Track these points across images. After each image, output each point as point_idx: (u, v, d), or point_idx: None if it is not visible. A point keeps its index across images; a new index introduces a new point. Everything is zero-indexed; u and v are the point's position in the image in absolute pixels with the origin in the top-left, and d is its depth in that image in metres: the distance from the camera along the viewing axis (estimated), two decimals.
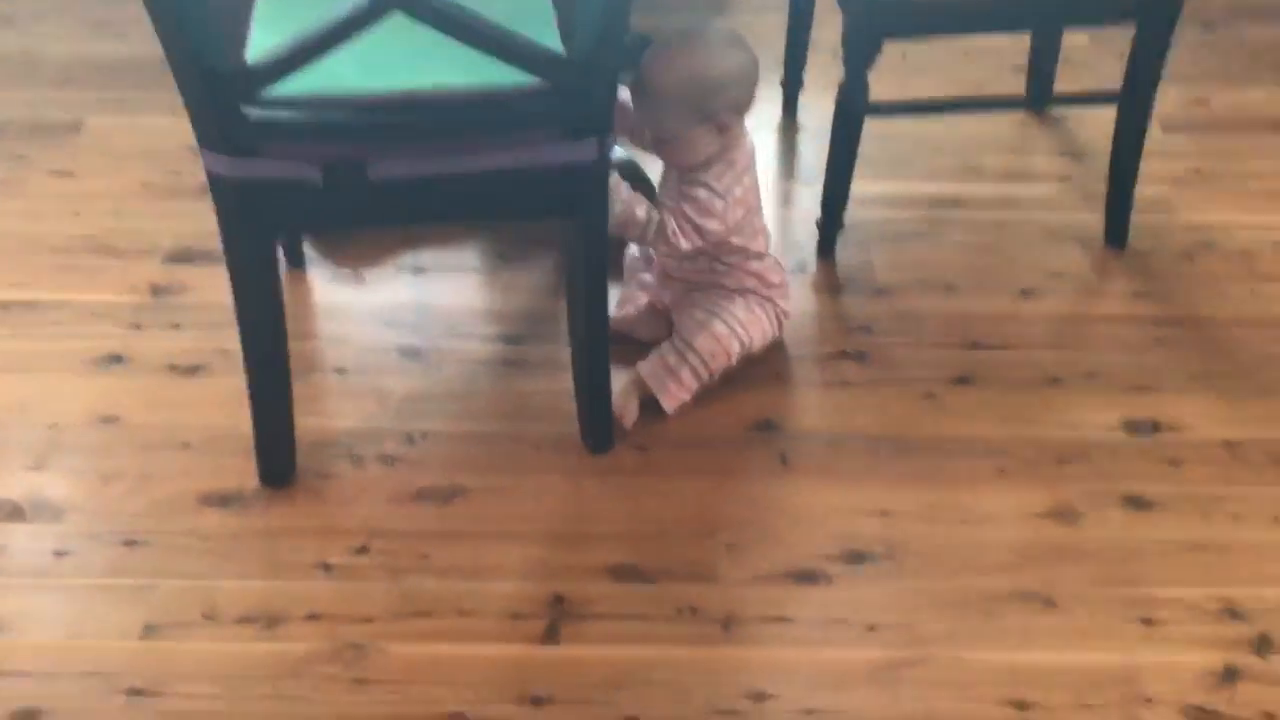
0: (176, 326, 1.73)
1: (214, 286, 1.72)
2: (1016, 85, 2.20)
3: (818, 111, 2.16)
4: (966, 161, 2.07)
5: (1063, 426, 1.61)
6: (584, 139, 1.29)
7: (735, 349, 1.62)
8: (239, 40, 1.34)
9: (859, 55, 1.66)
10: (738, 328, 1.61)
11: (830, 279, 1.84)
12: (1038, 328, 1.76)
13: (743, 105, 1.55)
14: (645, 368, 1.61)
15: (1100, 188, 1.93)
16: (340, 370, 1.67)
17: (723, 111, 1.52)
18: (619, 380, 1.57)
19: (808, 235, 1.90)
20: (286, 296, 1.45)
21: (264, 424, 1.47)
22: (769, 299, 1.65)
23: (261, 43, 1.33)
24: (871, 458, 1.56)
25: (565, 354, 1.69)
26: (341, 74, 1.26)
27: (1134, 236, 1.90)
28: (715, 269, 1.64)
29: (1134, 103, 1.76)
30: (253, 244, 1.34)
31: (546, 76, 1.25)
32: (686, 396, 1.61)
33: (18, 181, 2.03)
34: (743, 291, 1.64)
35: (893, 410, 1.63)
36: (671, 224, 1.55)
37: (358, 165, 1.25)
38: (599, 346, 1.48)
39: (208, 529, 1.43)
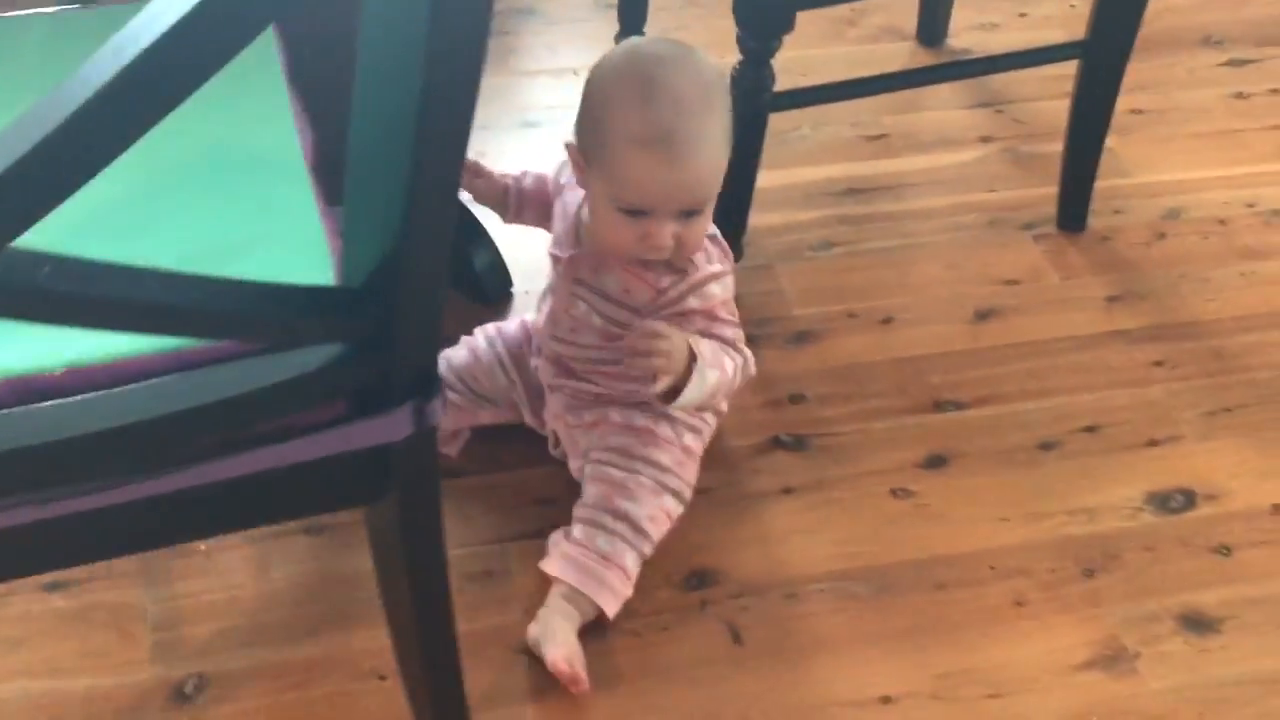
0: None
1: None
2: (902, 11, 1.75)
3: None
4: (863, 129, 1.62)
5: (1077, 517, 1.21)
6: (390, 411, 0.70)
7: (677, 514, 1.14)
8: None
9: (763, 32, 1.16)
10: (682, 489, 1.14)
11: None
12: (1008, 366, 1.35)
13: None
14: (569, 571, 1.08)
15: (1031, 148, 1.53)
16: (54, 586, 1.10)
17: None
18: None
19: None
20: None
21: None
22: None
23: None
24: (848, 608, 1.13)
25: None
26: None
27: (1092, 214, 1.51)
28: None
29: (1108, 50, 1.33)
30: None
31: (309, 337, 0.65)
32: (629, 592, 1.09)
33: None
34: (670, 420, 1.15)
35: (858, 526, 1.19)
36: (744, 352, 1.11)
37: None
38: (446, 671, 0.92)
39: None
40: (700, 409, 1.14)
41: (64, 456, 0.63)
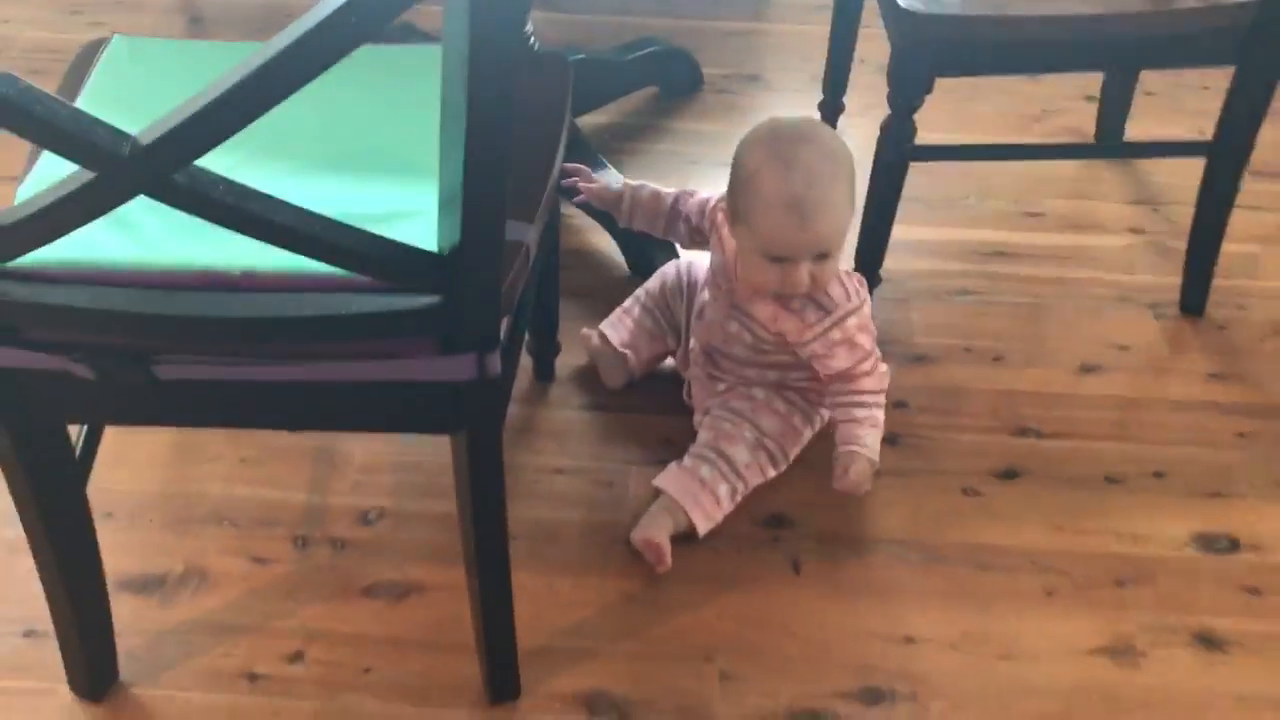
0: None
1: None
2: (1087, 117, 1.95)
3: (859, 137, 1.91)
4: (1024, 206, 1.83)
5: (1124, 539, 1.38)
6: (458, 355, 0.92)
7: (771, 473, 1.40)
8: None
9: (906, 92, 1.42)
10: (778, 453, 1.40)
11: None
12: (1098, 412, 1.53)
13: None
14: (672, 484, 1.35)
15: (1178, 244, 1.68)
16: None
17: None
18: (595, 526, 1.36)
19: None
20: None
21: (70, 635, 1.14)
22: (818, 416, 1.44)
23: (37, 184, 0.96)
24: (898, 567, 1.34)
25: (558, 417, 1.49)
26: (104, 242, 0.90)
27: (1214, 304, 1.66)
28: (782, 372, 1.41)
29: (1228, 153, 1.51)
30: (23, 438, 0.99)
31: (398, 281, 0.88)
32: (720, 517, 1.36)
33: None
34: (799, 394, 1.41)
35: (927, 509, 1.40)
36: (876, 366, 1.36)
37: (140, 361, 0.91)
38: (495, 582, 1.11)
39: (121, 622, 1.22)
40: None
41: (233, 331, 0.88)
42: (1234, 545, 1.37)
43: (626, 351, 1.49)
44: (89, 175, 0.74)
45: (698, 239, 1.45)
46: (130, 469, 1.39)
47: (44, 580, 1.11)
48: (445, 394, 0.95)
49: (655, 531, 1.31)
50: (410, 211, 0.93)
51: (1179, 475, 1.45)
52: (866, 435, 1.32)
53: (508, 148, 0.80)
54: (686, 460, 1.37)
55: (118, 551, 1.30)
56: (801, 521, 1.39)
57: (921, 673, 1.24)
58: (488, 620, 1.12)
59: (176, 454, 1.42)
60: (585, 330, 1.52)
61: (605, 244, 1.73)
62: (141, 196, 0.78)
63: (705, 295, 1.44)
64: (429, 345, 0.92)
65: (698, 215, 1.44)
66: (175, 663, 1.23)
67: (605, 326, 1.51)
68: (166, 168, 0.74)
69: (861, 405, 1.34)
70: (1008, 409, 1.52)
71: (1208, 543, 1.38)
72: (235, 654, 1.23)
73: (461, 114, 0.77)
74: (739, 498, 1.37)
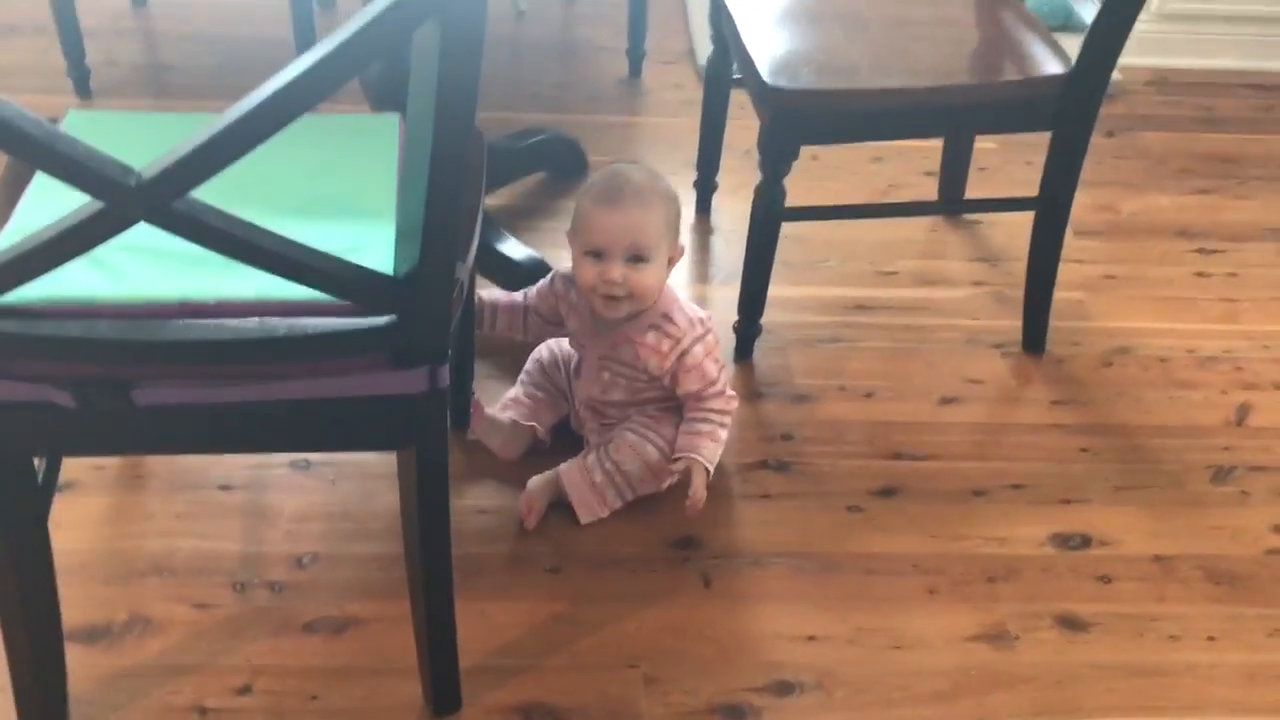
0: None
1: None
2: (928, 189, 2.19)
3: (731, 213, 2.11)
4: (880, 266, 2.04)
5: (991, 542, 1.55)
6: (411, 369, 1.04)
7: (667, 480, 1.54)
8: None
9: (776, 160, 1.61)
10: (669, 452, 1.53)
11: (749, 383, 1.78)
12: (959, 437, 1.71)
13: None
14: (570, 475, 1.52)
15: (1015, 293, 1.90)
16: (225, 486, 1.54)
17: (676, 241, 1.49)
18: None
19: (724, 338, 1.82)
20: None
21: (25, 681, 1.19)
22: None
23: (17, 232, 1.04)
24: (797, 578, 1.48)
25: (475, 463, 1.59)
26: (86, 280, 1.00)
27: (1051, 342, 1.88)
28: (660, 404, 1.56)
29: (1051, 209, 1.74)
30: None
31: (359, 301, 0.99)
32: (604, 514, 1.52)
33: None
34: (677, 410, 1.56)
35: (817, 526, 1.55)
36: (722, 391, 1.53)
37: (119, 388, 1.00)
38: (439, 594, 1.20)
39: (70, 670, 1.27)
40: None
41: (205, 352, 0.98)
42: (1086, 542, 1.56)
43: (532, 424, 1.61)
44: (97, 205, 0.85)
45: (550, 324, 1.60)
46: (70, 530, 1.45)
47: (4, 620, 1.16)
48: (399, 408, 1.07)
49: (538, 496, 1.51)
50: (361, 247, 1.05)
51: (1034, 486, 1.64)
52: (705, 447, 1.49)
53: (460, 187, 0.94)
54: (590, 459, 1.52)
55: (62, 605, 1.34)
56: (707, 542, 1.52)
57: (824, 665, 1.38)
58: (432, 629, 1.22)
59: (113, 514, 1.48)
60: (485, 415, 1.60)
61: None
62: (117, 240, 0.89)
63: (576, 358, 1.60)
64: (384, 362, 1.04)
65: (539, 298, 1.59)
66: (125, 704, 1.28)
67: (501, 412, 1.62)
68: (167, 197, 0.85)
69: (706, 421, 1.51)
70: (881, 437, 1.70)
71: (1063, 541, 1.56)
72: (184, 691, 1.29)
73: (425, 157, 0.90)
74: (626, 499, 1.52)
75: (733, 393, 1.54)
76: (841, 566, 1.50)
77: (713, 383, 1.52)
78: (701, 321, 1.52)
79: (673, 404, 1.55)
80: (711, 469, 1.50)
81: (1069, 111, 1.64)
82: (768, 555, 1.51)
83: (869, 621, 1.43)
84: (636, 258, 1.44)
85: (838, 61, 1.62)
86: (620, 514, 1.53)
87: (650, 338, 1.49)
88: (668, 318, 1.49)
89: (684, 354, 1.50)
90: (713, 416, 1.52)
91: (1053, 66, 1.63)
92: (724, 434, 1.52)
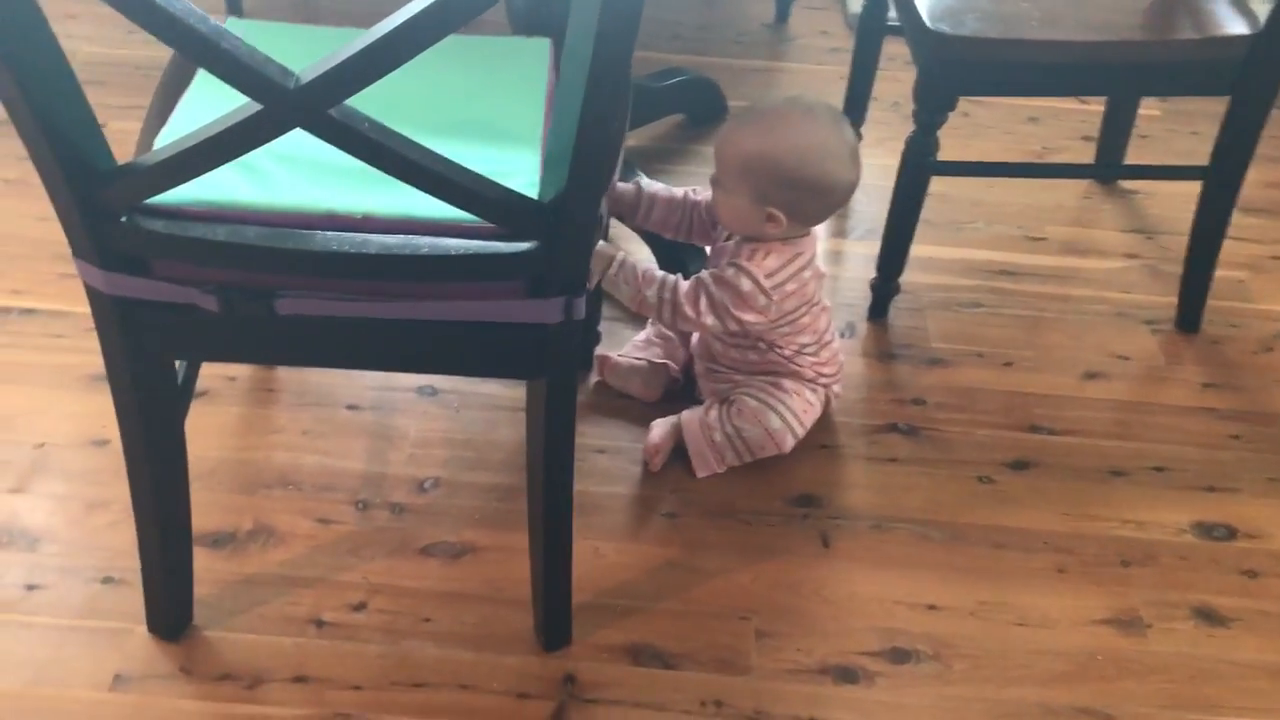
0: None
1: None
2: (1084, 154, 2.09)
3: (874, 167, 2.04)
4: (1028, 231, 1.95)
5: (1128, 525, 1.48)
6: (548, 298, 1.02)
7: (788, 443, 1.50)
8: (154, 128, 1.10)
9: (930, 110, 1.55)
10: (793, 422, 1.49)
11: (881, 344, 1.72)
12: (1101, 413, 1.64)
13: (810, 216, 1.41)
14: (690, 427, 1.49)
15: (1171, 269, 1.81)
16: (352, 406, 1.55)
17: (780, 205, 1.37)
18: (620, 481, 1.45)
19: (859, 296, 1.78)
20: None
21: (155, 578, 1.23)
22: (824, 386, 1.54)
23: (174, 134, 1.04)
24: (920, 544, 1.43)
25: (597, 404, 1.58)
26: (238, 187, 1.00)
27: (1207, 323, 1.78)
28: (769, 358, 1.50)
29: (1221, 181, 1.64)
30: (139, 371, 1.07)
31: (503, 224, 0.98)
32: (720, 470, 1.49)
33: (31, 183, 1.93)
34: (796, 377, 1.51)
35: (945, 494, 1.50)
36: (698, 303, 1.39)
37: (262, 297, 1.00)
38: (559, 527, 1.19)
39: (195, 571, 1.30)
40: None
41: (348, 265, 0.97)
42: (1231, 533, 1.48)
43: (667, 362, 1.59)
44: (255, 108, 0.85)
45: (708, 225, 1.53)
46: (201, 438, 1.47)
47: (138, 517, 1.19)
48: (533, 337, 1.05)
49: (665, 439, 1.50)
50: (506, 172, 1.03)
51: (1178, 471, 1.55)
52: (640, 275, 1.37)
53: (613, 116, 0.92)
54: (711, 416, 1.48)
55: (192, 510, 1.37)
56: (828, 501, 1.48)
57: (943, 636, 1.33)
58: (549, 563, 1.21)
59: (243, 425, 1.51)
60: (613, 362, 1.59)
61: (642, 255, 1.84)
62: (270, 147, 0.89)
63: None
64: (522, 289, 1.02)
65: (702, 197, 1.53)
66: (246, 609, 1.30)
67: (636, 354, 1.60)
68: (324, 103, 0.84)
69: (671, 291, 1.38)
70: (1018, 408, 1.63)
71: (1206, 530, 1.48)
72: (302, 602, 1.31)
73: (581, 82, 0.88)
74: (745, 461, 1.49)
75: (712, 322, 1.40)
76: (968, 537, 1.45)
77: (722, 307, 1.38)
78: (767, 279, 1.39)
79: (788, 371, 1.51)
80: (608, 276, 1.37)
81: (1252, 76, 1.53)
82: (891, 520, 1.46)
83: (993, 595, 1.38)
84: (715, 180, 1.41)
85: (1005, 10, 1.54)
86: (740, 469, 1.50)
87: (741, 255, 1.41)
88: (753, 257, 1.40)
89: (737, 265, 1.39)
90: (681, 302, 1.38)
91: (1238, 26, 1.53)
92: (649, 299, 1.38)
